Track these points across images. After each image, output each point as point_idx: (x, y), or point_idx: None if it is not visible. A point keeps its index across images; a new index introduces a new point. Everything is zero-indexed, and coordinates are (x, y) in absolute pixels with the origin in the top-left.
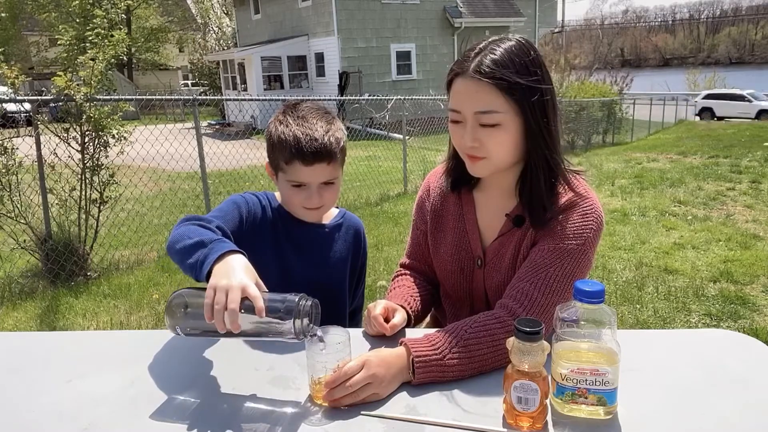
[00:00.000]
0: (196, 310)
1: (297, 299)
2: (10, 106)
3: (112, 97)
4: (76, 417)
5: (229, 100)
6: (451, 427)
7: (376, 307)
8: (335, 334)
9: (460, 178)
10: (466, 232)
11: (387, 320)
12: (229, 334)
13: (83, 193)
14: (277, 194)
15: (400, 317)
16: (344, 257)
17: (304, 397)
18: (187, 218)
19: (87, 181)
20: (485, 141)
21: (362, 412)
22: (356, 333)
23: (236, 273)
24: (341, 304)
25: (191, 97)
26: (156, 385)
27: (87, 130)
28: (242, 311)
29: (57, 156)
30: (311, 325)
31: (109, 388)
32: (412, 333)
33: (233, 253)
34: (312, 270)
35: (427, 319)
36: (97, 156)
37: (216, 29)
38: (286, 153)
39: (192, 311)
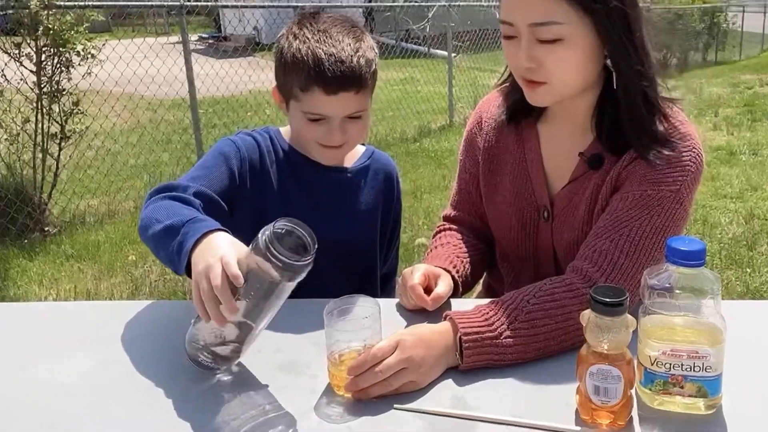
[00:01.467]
0: (200, 323)
1: (262, 232)
2: None
3: (76, 3)
4: (33, 411)
5: (226, 7)
6: (509, 425)
7: (413, 274)
8: (362, 306)
9: (521, 108)
10: (528, 175)
11: (428, 290)
12: (246, 332)
13: (39, 126)
14: (285, 129)
15: (444, 286)
16: (372, 209)
17: (321, 386)
18: (158, 189)
19: (44, 110)
20: (544, 60)
21: (395, 406)
22: (388, 305)
23: (214, 250)
24: (369, 269)
25: (178, 4)
26: (133, 371)
27: (44, 46)
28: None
29: (6, 79)
30: (307, 255)
31: (75, 374)
32: (459, 305)
33: (213, 233)
34: (332, 227)
35: (479, 286)
36: (57, 79)
37: None
38: (302, 77)
39: (199, 325)
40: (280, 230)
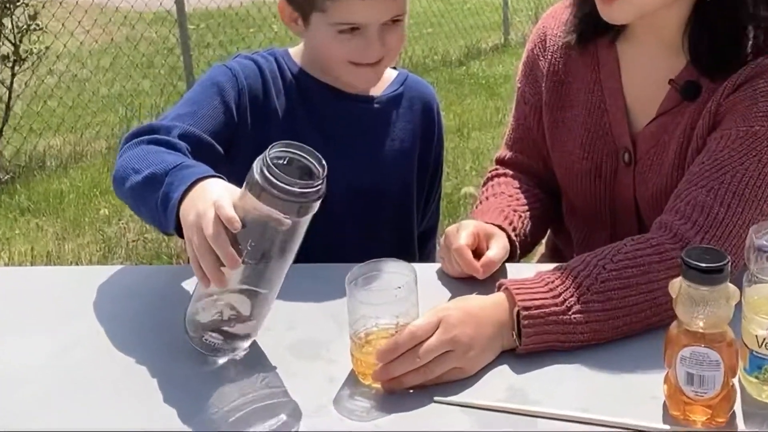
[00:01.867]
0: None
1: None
2: None
3: None
4: None
5: None
6: (579, 423)
7: (459, 232)
8: (394, 272)
9: (594, 24)
10: (605, 109)
11: (477, 253)
12: (257, 299)
13: None
14: (295, 50)
15: (498, 248)
16: (407, 149)
17: (342, 374)
18: (135, 132)
19: None
20: None
21: (436, 399)
22: (427, 272)
23: (206, 198)
24: (403, 225)
25: None
26: (105, 353)
27: None
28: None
29: None
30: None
31: (34, 358)
32: (516, 271)
33: (204, 180)
34: (355, 171)
35: (541, 248)
36: None
37: None
38: None
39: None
40: (276, 159)
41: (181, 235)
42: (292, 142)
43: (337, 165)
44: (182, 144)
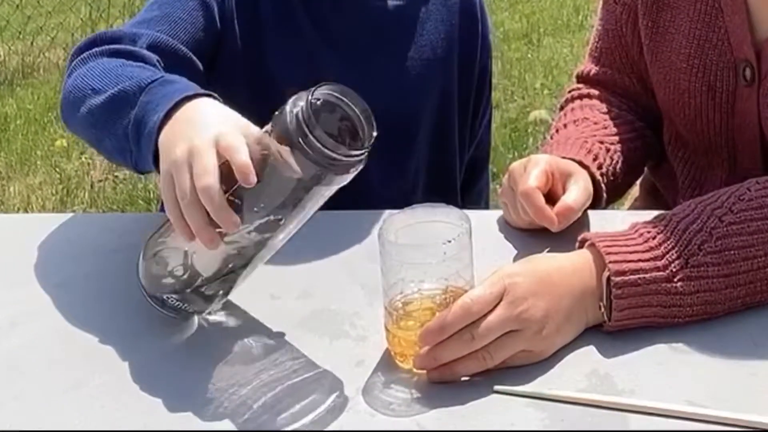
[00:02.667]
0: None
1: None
2: None
3: None
4: None
5: None
6: (685, 420)
7: (528, 171)
8: (442, 222)
9: None
10: (720, 11)
11: (552, 197)
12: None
13: None
14: None
15: (578, 190)
16: (441, 57)
17: (375, 356)
18: (90, 42)
19: None
20: None
21: (496, 388)
22: (483, 221)
23: (200, 125)
24: (442, 159)
25: None
26: (62, 328)
27: None
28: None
29: None
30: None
31: None
32: (603, 222)
33: (194, 99)
34: (372, 90)
35: (635, 190)
36: None
37: None
38: None
39: (167, 242)
40: (318, 101)
41: (156, 168)
42: (342, 86)
43: (353, 81)
44: (152, 56)
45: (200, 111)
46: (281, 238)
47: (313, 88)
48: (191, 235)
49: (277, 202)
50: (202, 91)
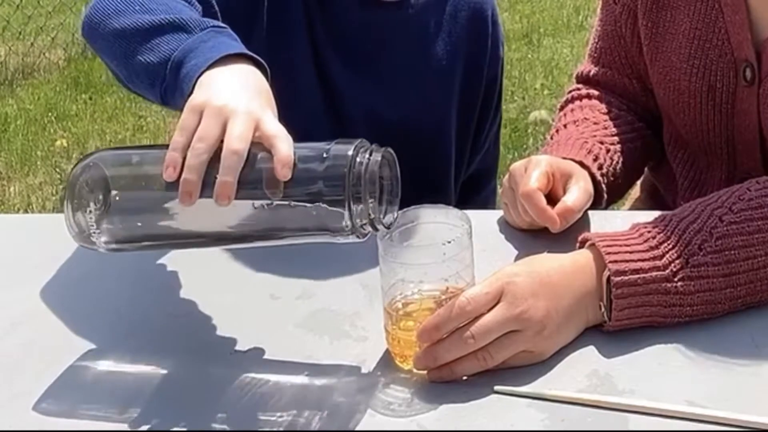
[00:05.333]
0: (133, 192)
1: (351, 148)
2: None
3: None
4: None
5: None
6: (685, 420)
7: (528, 172)
8: (442, 223)
9: None
10: (720, 10)
11: (552, 197)
12: (205, 237)
13: None
14: None
15: (578, 191)
16: (445, 70)
17: (375, 356)
18: None
19: None
20: None
21: (496, 388)
22: (484, 221)
23: (251, 89)
24: (438, 168)
25: None
26: (62, 331)
27: None
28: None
29: None
30: (385, 206)
31: None
32: (603, 222)
33: (241, 60)
34: (377, 97)
35: (635, 190)
36: None
37: None
38: None
39: (125, 195)
40: (373, 165)
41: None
42: (390, 150)
43: (355, 88)
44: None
45: (253, 76)
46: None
47: (364, 150)
48: (173, 173)
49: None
50: (250, 54)
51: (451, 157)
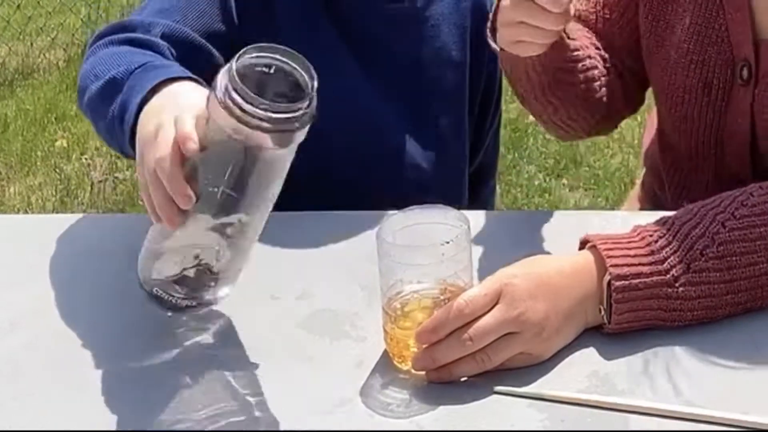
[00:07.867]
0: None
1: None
2: None
3: None
4: None
5: None
6: (684, 420)
7: None
8: (441, 223)
9: None
10: (721, 6)
11: None
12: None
13: None
14: None
15: None
16: (455, 60)
17: (374, 357)
18: (105, 31)
19: None
20: None
21: (496, 389)
22: (485, 222)
23: (171, 105)
24: (451, 161)
25: None
26: (61, 331)
27: None
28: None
29: None
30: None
31: None
32: (604, 223)
33: (173, 82)
34: (384, 90)
35: (635, 191)
36: None
37: None
38: None
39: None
40: (252, 67)
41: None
42: (274, 45)
43: (360, 81)
44: (164, 45)
45: (175, 93)
46: (246, 221)
47: (239, 53)
48: (157, 217)
49: (223, 171)
50: (185, 74)
51: (465, 150)
